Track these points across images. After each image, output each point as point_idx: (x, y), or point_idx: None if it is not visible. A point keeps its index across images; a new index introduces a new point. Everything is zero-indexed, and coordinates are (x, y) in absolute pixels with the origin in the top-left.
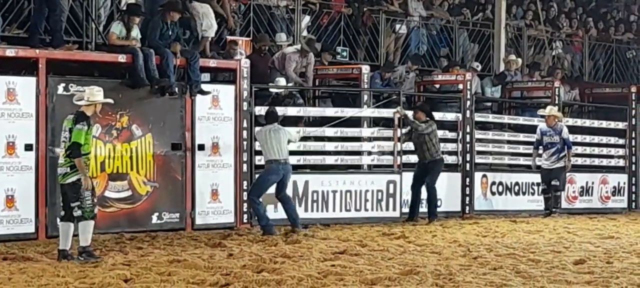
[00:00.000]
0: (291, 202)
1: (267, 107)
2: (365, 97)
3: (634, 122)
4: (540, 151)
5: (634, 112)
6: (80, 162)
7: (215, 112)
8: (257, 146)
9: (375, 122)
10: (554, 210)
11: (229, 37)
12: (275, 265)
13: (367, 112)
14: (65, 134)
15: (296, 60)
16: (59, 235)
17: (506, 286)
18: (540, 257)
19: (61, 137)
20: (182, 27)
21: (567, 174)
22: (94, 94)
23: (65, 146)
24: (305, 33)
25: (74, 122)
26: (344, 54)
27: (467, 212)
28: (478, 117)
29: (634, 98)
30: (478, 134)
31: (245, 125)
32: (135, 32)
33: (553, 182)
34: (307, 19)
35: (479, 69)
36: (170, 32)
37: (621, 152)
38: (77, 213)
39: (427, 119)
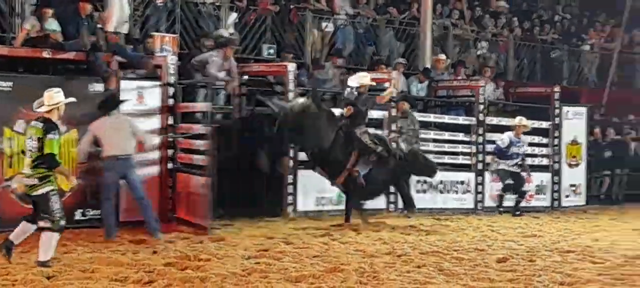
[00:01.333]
0: (148, 207)
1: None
2: (291, 95)
3: (557, 122)
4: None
5: (557, 111)
6: (61, 169)
7: (140, 108)
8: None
9: None
10: (516, 213)
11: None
12: (199, 262)
13: None
14: (32, 143)
15: (218, 63)
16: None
17: (430, 284)
18: (464, 255)
19: (26, 143)
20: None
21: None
22: (54, 97)
23: (33, 155)
24: (232, 30)
25: (45, 131)
26: (271, 51)
27: (392, 209)
28: None
29: (557, 97)
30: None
31: (170, 121)
32: (54, 25)
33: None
34: (234, 16)
35: (404, 63)
36: (85, 24)
37: (544, 151)
38: (46, 224)
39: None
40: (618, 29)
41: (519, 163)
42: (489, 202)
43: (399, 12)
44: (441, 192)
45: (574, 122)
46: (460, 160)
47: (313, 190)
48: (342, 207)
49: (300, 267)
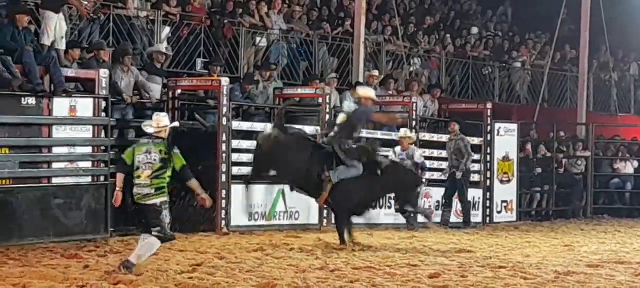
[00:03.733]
0: None
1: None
2: (225, 110)
3: (489, 138)
4: None
5: (489, 128)
6: (194, 182)
7: (73, 120)
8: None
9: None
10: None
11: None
12: (131, 277)
13: None
14: (152, 156)
15: (121, 77)
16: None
17: None
18: (397, 270)
19: (141, 158)
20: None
21: (424, 189)
22: (162, 120)
23: (153, 168)
24: (165, 44)
25: (168, 147)
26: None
27: (325, 224)
28: None
29: (489, 114)
30: None
31: (103, 135)
32: None
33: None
34: (167, 30)
35: (336, 78)
36: (20, 37)
37: (477, 167)
38: (156, 234)
39: None
40: (549, 47)
41: None
42: (421, 218)
43: (333, 28)
44: (374, 207)
45: (506, 139)
46: None
47: (246, 205)
48: (276, 222)
49: (233, 282)
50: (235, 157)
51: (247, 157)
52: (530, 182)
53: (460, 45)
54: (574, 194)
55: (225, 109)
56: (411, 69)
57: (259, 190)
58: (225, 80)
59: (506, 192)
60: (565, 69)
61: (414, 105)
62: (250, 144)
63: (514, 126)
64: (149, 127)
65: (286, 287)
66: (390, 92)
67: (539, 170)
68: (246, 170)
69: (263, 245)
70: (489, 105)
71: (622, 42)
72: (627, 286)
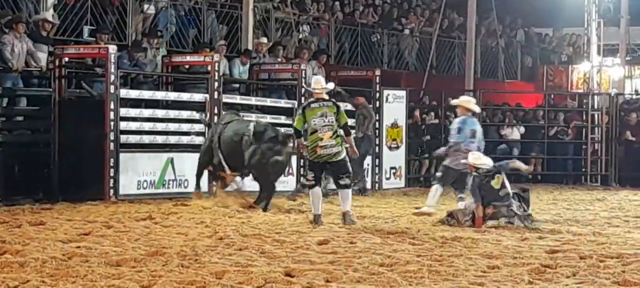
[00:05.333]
0: None
1: None
2: (112, 78)
3: (377, 105)
4: None
5: (377, 94)
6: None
7: None
8: None
9: None
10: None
11: None
12: (18, 246)
13: None
14: (328, 119)
15: (10, 43)
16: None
17: (251, 266)
18: (285, 237)
19: (319, 121)
20: None
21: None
22: (322, 81)
23: (333, 128)
24: (51, 11)
25: (337, 107)
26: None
27: (213, 192)
28: (226, 98)
29: (378, 81)
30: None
31: None
32: None
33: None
34: None
35: (224, 45)
36: None
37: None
38: (346, 182)
39: None
40: (437, 13)
41: None
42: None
43: None
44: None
45: (394, 106)
46: None
47: (135, 173)
48: (165, 190)
49: (122, 251)
50: (123, 125)
51: (136, 125)
52: (419, 149)
53: (349, 12)
54: None
55: (112, 77)
56: (300, 36)
57: (147, 158)
58: (112, 48)
59: (395, 158)
60: (453, 36)
61: (303, 72)
62: (138, 112)
63: (403, 93)
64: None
65: (175, 255)
66: (279, 60)
67: (428, 137)
68: (134, 139)
69: (152, 214)
70: (378, 72)
71: (509, 8)
72: (513, 250)
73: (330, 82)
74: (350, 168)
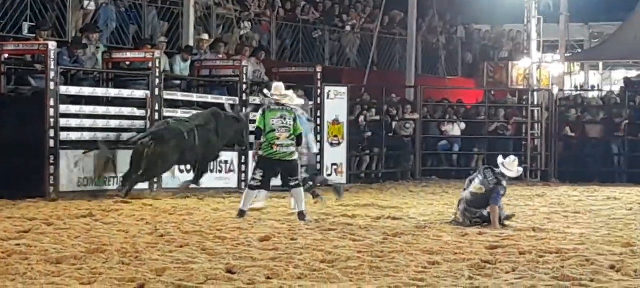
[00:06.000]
0: None
1: None
2: (52, 75)
3: (319, 101)
4: None
5: (319, 91)
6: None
7: None
8: None
9: None
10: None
11: None
12: None
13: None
14: (287, 121)
15: None
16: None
17: (192, 263)
18: (227, 234)
19: (275, 122)
20: None
21: None
22: (294, 99)
23: (290, 132)
24: None
25: (295, 115)
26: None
27: (155, 189)
28: (167, 95)
29: (319, 77)
30: (167, 112)
31: None
32: None
33: None
34: None
35: (165, 41)
36: None
37: None
38: (295, 182)
39: None
40: (378, 10)
41: None
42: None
43: None
44: (205, 171)
45: (336, 102)
46: None
47: (75, 170)
48: (106, 187)
49: (62, 248)
50: (63, 122)
51: (76, 122)
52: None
53: (290, 9)
54: (403, 156)
55: (52, 74)
56: (242, 33)
57: (87, 155)
58: (52, 45)
59: (336, 154)
60: (394, 33)
61: (244, 69)
62: (79, 109)
63: (344, 89)
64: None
65: (115, 253)
66: (221, 56)
67: (369, 133)
68: (74, 136)
69: (92, 211)
70: (319, 69)
71: (449, 5)
72: (454, 246)
73: (290, 92)
74: (300, 173)
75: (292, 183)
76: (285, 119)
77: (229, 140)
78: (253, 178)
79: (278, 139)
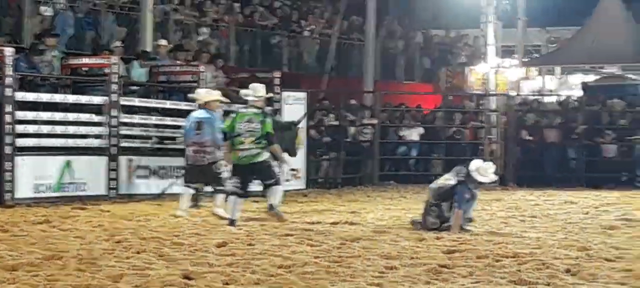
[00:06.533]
0: None
1: None
2: (9, 81)
3: (277, 107)
4: None
5: (277, 96)
6: (276, 147)
7: None
8: None
9: None
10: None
11: None
12: None
13: None
14: (253, 125)
15: None
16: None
17: (149, 269)
18: (184, 240)
19: (242, 127)
20: None
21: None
22: (259, 90)
23: (253, 135)
24: None
25: (263, 116)
26: None
27: (112, 195)
28: (124, 101)
29: (277, 83)
30: (124, 118)
31: None
32: None
33: None
34: None
35: (121, 47)
36: None
37: None
38: (271, 182)
39: None
40: (336, 16)
41: None
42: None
43: None
44: (162, 177)
45: (294, 107)
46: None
47: (31, 176)
48: (63, 193)
49: (18, 255)
50: (20, 128)
51: (33, 128)
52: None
53: (249, 15)
54: (361, 162)
55: (9, 80)
56: (200, 39)
57: (45, 161)
58: (9, 50)
59: (295, 160)
60: (352, 38)
61: (202, 74)
62: (36, 115)
63: (303, 94)
64: (248, 96)
65: (72, 259)
66: (179, 62)
67: (328, 138)
68: (31, 142)
69: (49, 217)
70: (277, 74)
71: (408, 10)
72: (411, 251)
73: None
74: (273, 171)
75: (268, 183)
76: (252, 122)
77: (284, 145)
78: (234, 185)
79: (242, 143)
